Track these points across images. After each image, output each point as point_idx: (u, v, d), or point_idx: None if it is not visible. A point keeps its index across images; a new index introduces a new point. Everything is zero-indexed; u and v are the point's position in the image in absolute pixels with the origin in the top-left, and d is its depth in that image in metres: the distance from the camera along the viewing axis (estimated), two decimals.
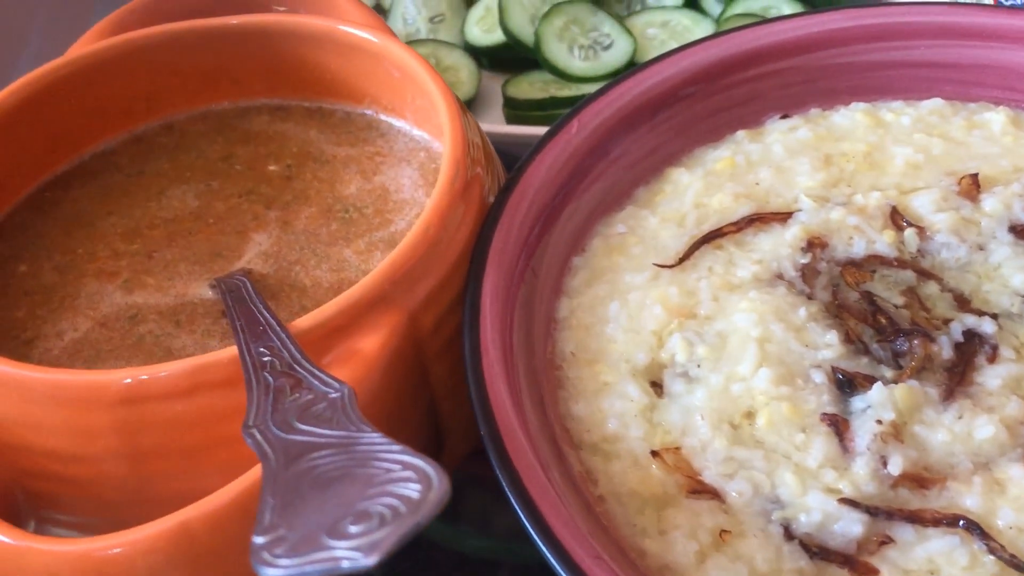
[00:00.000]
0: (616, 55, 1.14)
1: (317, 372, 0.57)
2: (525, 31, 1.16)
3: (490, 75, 1.20)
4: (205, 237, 0.87)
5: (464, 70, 1.17)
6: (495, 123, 1.11)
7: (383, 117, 0.96)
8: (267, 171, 0.93)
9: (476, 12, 1.23)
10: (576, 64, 1.13)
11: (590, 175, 0.83)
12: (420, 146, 0.94)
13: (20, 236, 0.87)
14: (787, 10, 1.21)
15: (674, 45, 1.15)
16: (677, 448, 0.65)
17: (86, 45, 0.94)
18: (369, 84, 0.94)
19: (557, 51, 1.13)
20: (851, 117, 0.90)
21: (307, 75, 0.96)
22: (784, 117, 0.92)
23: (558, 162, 0.80)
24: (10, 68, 1.16)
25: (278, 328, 0.62)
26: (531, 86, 1.14)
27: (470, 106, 1.15)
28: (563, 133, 0.82)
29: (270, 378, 0.58)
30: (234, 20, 0.91)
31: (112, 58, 0.90)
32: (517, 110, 1.11)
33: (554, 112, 1.08)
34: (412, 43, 1.19)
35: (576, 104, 0.85)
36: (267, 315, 0.65)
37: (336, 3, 0.97)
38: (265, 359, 0.60)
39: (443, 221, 0.71)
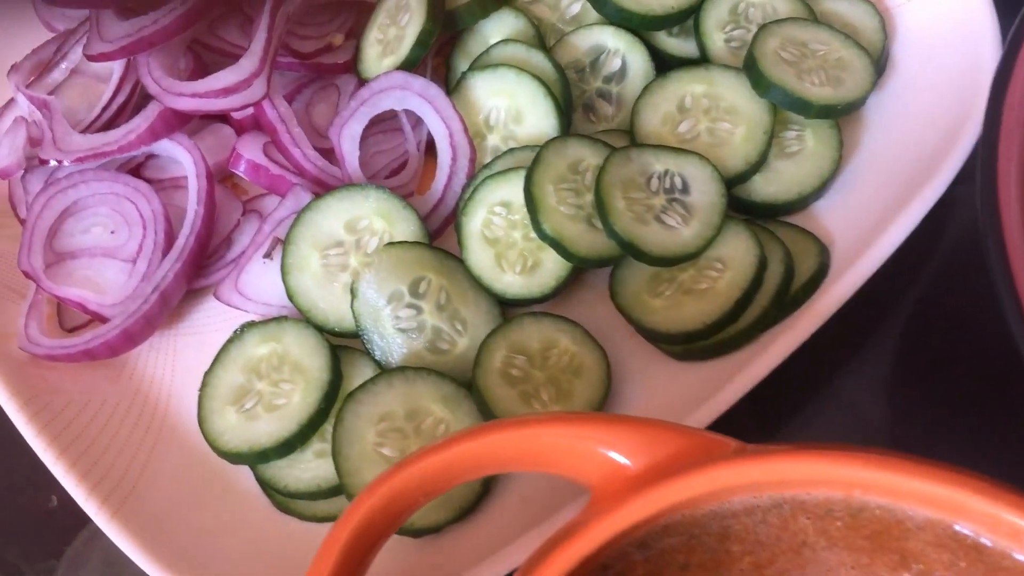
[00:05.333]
0: (696, 230, 0.89)
1: None
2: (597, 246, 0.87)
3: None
4: None
5: (583, 349, 0.87)
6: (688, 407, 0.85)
7: None
8: None
9: (482, 255, 0.90)
10: (684, 234, 0.87)
11: None
12: None
13: None
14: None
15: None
16: None
17: None
18: None
19: (649, 235, 0.87)
20: None
21: None
22: None
23: None
24: None
25: None
26: (665, 299, 0.87)
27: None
28: None
29: None
30: None
31: None
32: (692, 342, 0.85)
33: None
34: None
35: None
36: None
37: None
38: None
39: None
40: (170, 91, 0.97)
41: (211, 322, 0.99)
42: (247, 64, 0.96)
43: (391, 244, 0.90)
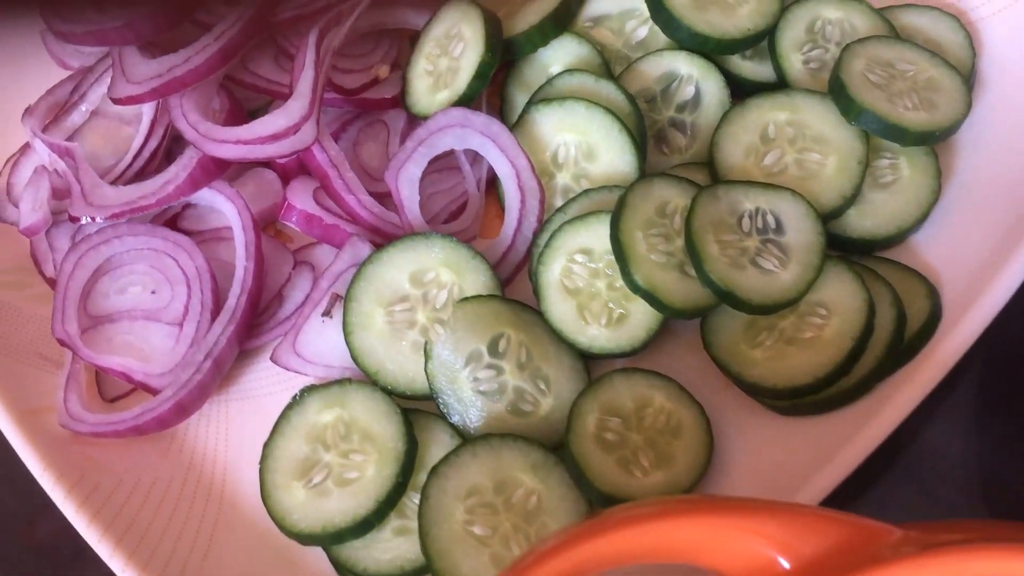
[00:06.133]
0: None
1: None
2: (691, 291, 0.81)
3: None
4: None
5: (679, 407, 0.81)
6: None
7: None
8: None
9: (563, 307, 0.84)
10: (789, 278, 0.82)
11: None
12: None
13: None
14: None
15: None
16: None
17: None
18: None
19: (746, 281, 0.81)
20: None
21: None
22: None
23: None
24: None
25: None
26: (765, 350, 0.81)
27: None
28: None
29: None
30: None
31: None
32: (800, 397, 0.79)
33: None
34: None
35: None
36: None
37: None
38: None
39: None
40: (210, 137, 0.90)
41: (264, 385, 0.92)
42: (296, 107, 0.89)
43: (465, 299, 0.84)
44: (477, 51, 0.91)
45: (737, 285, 0.80)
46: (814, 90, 0.90)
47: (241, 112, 0.98)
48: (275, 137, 0.88)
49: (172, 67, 0.93)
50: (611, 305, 0.84)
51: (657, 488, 0.78)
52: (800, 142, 0.89)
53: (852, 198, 0.87)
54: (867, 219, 0.87)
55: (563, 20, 0.94)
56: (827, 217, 0.86)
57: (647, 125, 0.94)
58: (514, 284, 0.92)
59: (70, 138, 1.00)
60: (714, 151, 0.89)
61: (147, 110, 0.96)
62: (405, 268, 0.87)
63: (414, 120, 0.99)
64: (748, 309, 0.80)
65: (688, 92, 0.93)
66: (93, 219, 0.90)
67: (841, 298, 0.81)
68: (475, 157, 0.95)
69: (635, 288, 0.81)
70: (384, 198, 0.94)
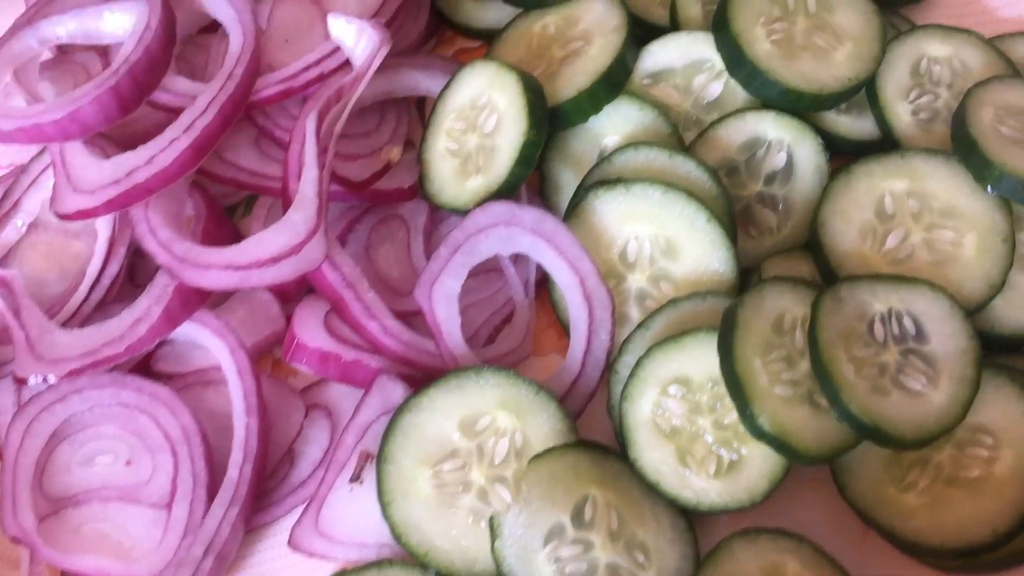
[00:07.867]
0: None
1: None
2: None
3: None
4: None
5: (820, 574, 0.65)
6: None
7: None
8: None
9: (658, 454, 0.68)
10: None
11: None
12: None
13: None
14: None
15: None
16: None
17: None
18: None
19: (893, 410, 0.65)
20: None
21: None
22: None
23: None
24: None
25: None
26: (921, 494, 0.66)
27: None
28: None
29: None
30: None
31: None
32: (975, 555, 0.63)
33: None
34: None
35: None
36: None
37: None
38: None
39: None
40: (191, 262, 0.72)
41: (277, 569, 0.74)
42: (298, 219, 0.71)
43: (538, 457, 0.67)
44: (518, 127, 0.75)
45: (884, 417, 0.64)
46: (935, 149, 0.75)
47: (221, 218, 0.80)
48: (275, 259, 0.70)
49: (132, 170, 0.75)
50: (719, 450, 0.68)
51: None
52: (927, 217, 0.73)
53: (1000, 285, 0.71)
54: (1018, 309, 0.72)
55: (618, 80, 0.78)
56: (971, 311, 0.70)
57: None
58: (583, 417, 0.75)
59: (2, 261, 0.82)
60: (820, 234, 0.73)
61: (103, 225, 0.78)
62: (453, 414, 0.70)
63: (437, 212, 0.81)
64: (899, 445, 0.64)
65: (779, 160, 0.77)
66: (44, 379, 0.72)
67: (1008, 420, 0.66)
68: (518, 255, 0.78)
69: (759, 434, 0.64)
70: (410, 317, 0.76)
